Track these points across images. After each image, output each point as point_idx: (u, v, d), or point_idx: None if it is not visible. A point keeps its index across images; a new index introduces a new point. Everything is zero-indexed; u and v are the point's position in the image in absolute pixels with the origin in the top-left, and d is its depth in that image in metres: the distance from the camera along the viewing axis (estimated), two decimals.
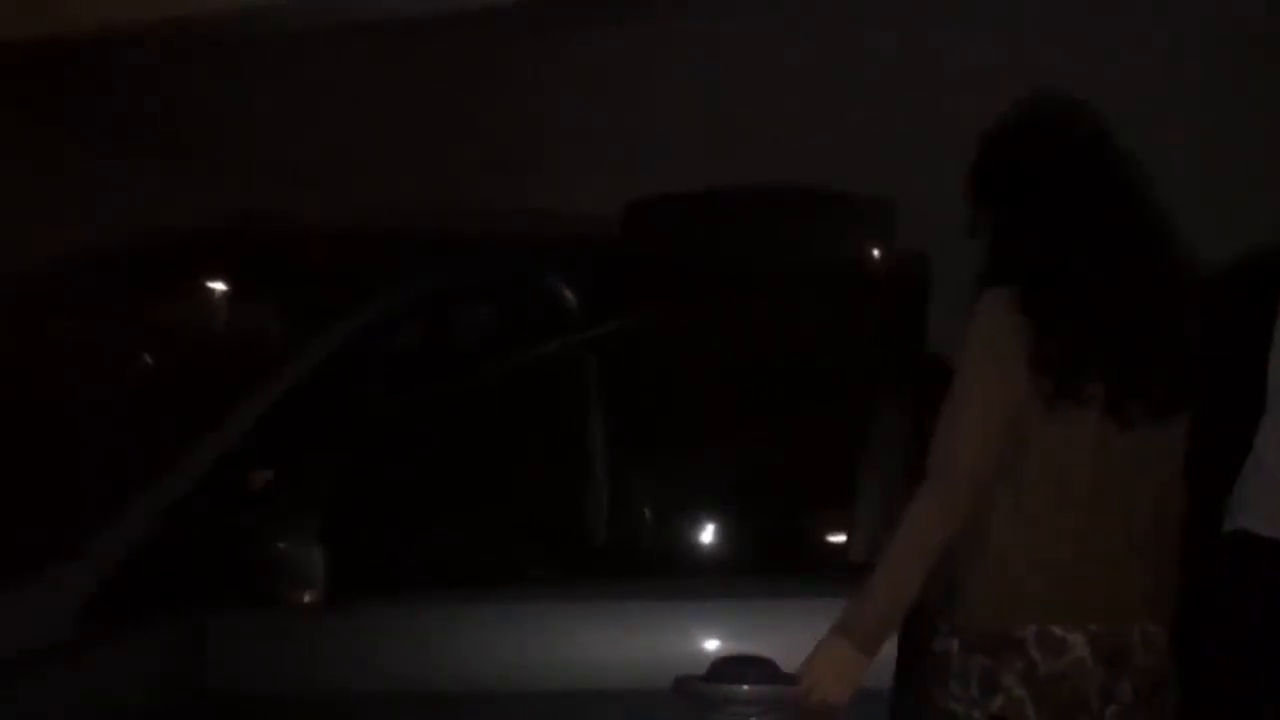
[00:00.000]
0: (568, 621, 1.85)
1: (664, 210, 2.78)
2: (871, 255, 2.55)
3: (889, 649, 1.78)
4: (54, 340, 2.46)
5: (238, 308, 2.44)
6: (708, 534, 2.26)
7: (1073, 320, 1.74)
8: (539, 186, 3.81)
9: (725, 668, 1.81)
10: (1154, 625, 1.78)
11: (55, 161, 4.51)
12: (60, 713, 1.66)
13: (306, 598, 1.73)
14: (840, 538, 1.94)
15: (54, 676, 1.67)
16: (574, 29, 4.03)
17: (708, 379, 2.29)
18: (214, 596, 1.78)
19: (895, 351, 2.12)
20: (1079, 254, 1.79)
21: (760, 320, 2.29)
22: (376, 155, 4.35)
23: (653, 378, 2.33)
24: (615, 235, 2.67)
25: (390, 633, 1.83)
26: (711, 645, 1.83)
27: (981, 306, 1.81)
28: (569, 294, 2.35)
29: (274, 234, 2.68)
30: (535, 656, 1.82)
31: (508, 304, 2.45)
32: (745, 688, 1.81)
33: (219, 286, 2.46)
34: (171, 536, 1.78)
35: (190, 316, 2.46)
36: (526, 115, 4.27)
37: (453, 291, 2.31)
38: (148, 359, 2.43)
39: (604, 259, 2.48)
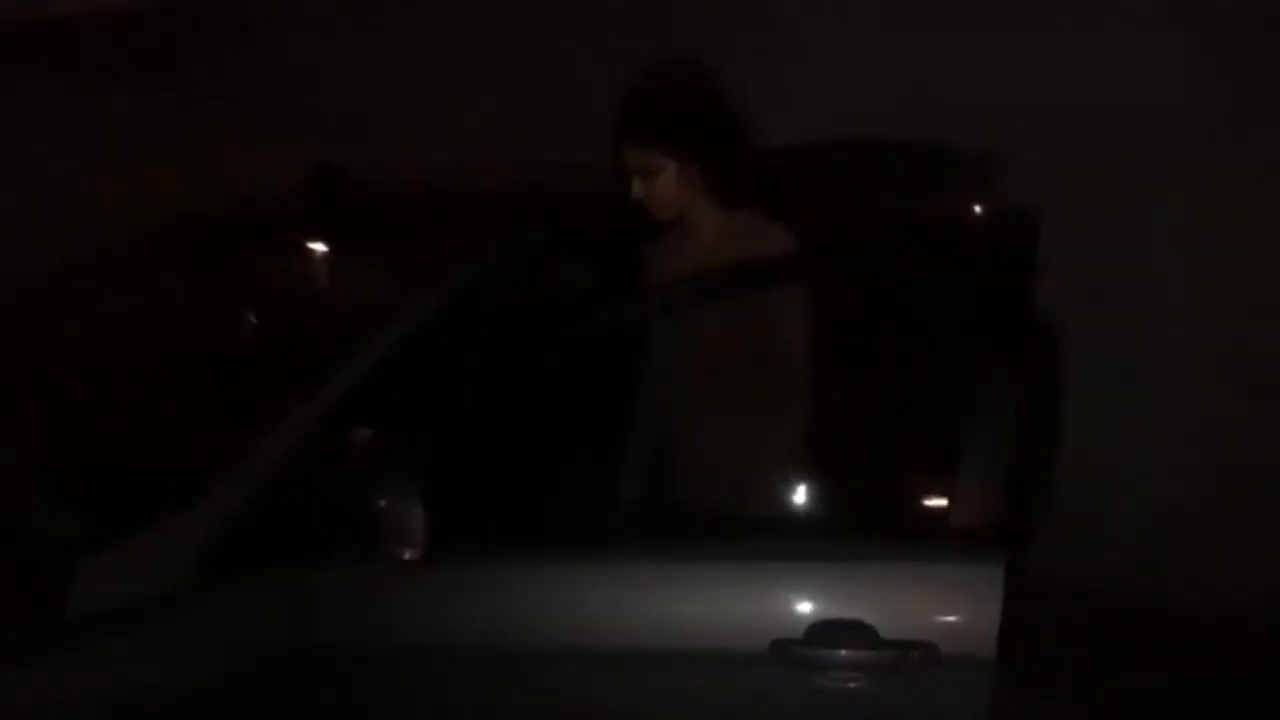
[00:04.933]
0: (665, 582, 1.83)
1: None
2: (972, 210, 2.48)
3: (993, 620, 1.74)
4: (165, 300, 2.52)
5: (341, 267, 2.47)
6: (810, 497, 2.22)
7: None
8: None
9: (824, 632, 1.79)
10: None
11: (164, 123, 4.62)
12: (175, 659, 1.71)
13: (407, 555, 1.75)
14: (943, 502, 1.89)
15: (171, 624, 1.71)
16: None
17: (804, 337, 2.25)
18: (319, 552, 1.81)
19: (1000, 309, 2.05)
20: None
21: (857, 276, 2.23)
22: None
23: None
24: None
25: (488, 590, 1.85)
26: (811, 609, 1.80)
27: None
28: None
29: (377, 193, 2.71)
30: (632, 616, 1.81)
31: (604, 260, 2.43)
32: (844, 653, 1.80)
33: (322, 246, 2.49)
34: (279, 492, 1.81)
35: (295, 276, 2.49)
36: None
37: (550, 248, 2.31)
38: (252, 318, 2.49)
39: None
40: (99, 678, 1.63)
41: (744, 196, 2.23)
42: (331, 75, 4.49)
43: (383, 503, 1.75)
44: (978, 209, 2.49)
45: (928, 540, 1.89)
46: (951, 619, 1.78)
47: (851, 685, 1.80)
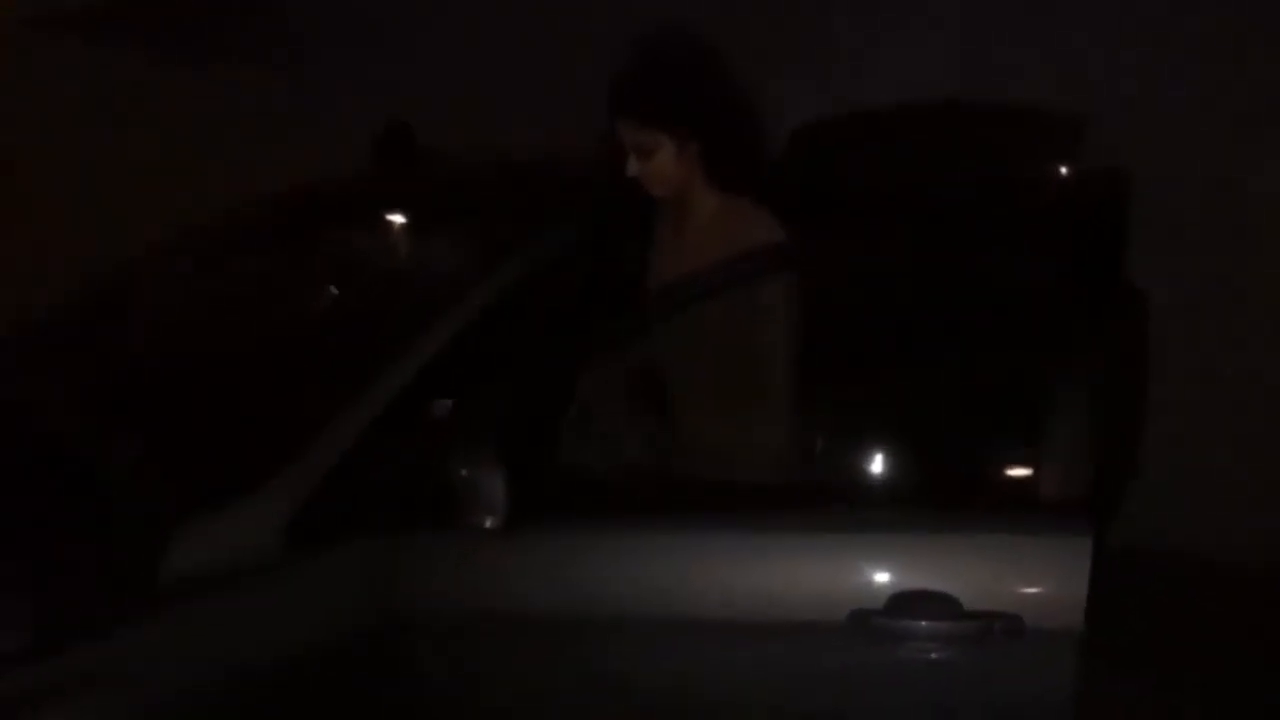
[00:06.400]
0: (744, 552, 1.83)
1: (829, 131, 2.69)
2: (1056, 173, 2.42)
3: (1080, 592, 1.71)
4: (247, 275, 2.58)
5: (420, 241, 2.49)
6: (890, 467, 2.20)
7: None
8: None
9: (904, 603, 1.77)
10: None
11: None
12: (261, 627, 1.74)
13: (489, 523, 1.77)
14: (1028, 473, 1.85)
15: (257, 593, 1.75)
16: None
17: (882, 306, 2.22)
18: (402, 522, 1.84)
19: (1085, 276, 1.99)
20: None
21: (935, 244, 2.19)
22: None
23: (825, 306, 2.27)
24: (781, 161, 2.60)
25: (567, 558, 1.86)
26: (892, 580, 1.79)
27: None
28: None
29: (453, 169, 2.73)
30: (710, 585, 1.82)
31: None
32: (924, 623, 1.78)
33: (401, 220, 2.52)
34: (362, 463, 1.84)
35: (375, 249, 2.53)
36: None
37: (620, 222, 2.30)
38: (334, 291, 2.53)
39: (770, 186, 2.41)
40: (189, 645, 1.68)
41: (743, 182, 2.16)
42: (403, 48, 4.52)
43: (463, 472, 1.77)
44: (1064, 171, 2.42)
45: (1014, 512, 1.86)
46: (1038, 591, 1.75)
47: (933, 656, 1.78)
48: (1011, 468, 1.97)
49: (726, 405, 2.12)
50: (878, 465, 2.21)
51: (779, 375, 2.09)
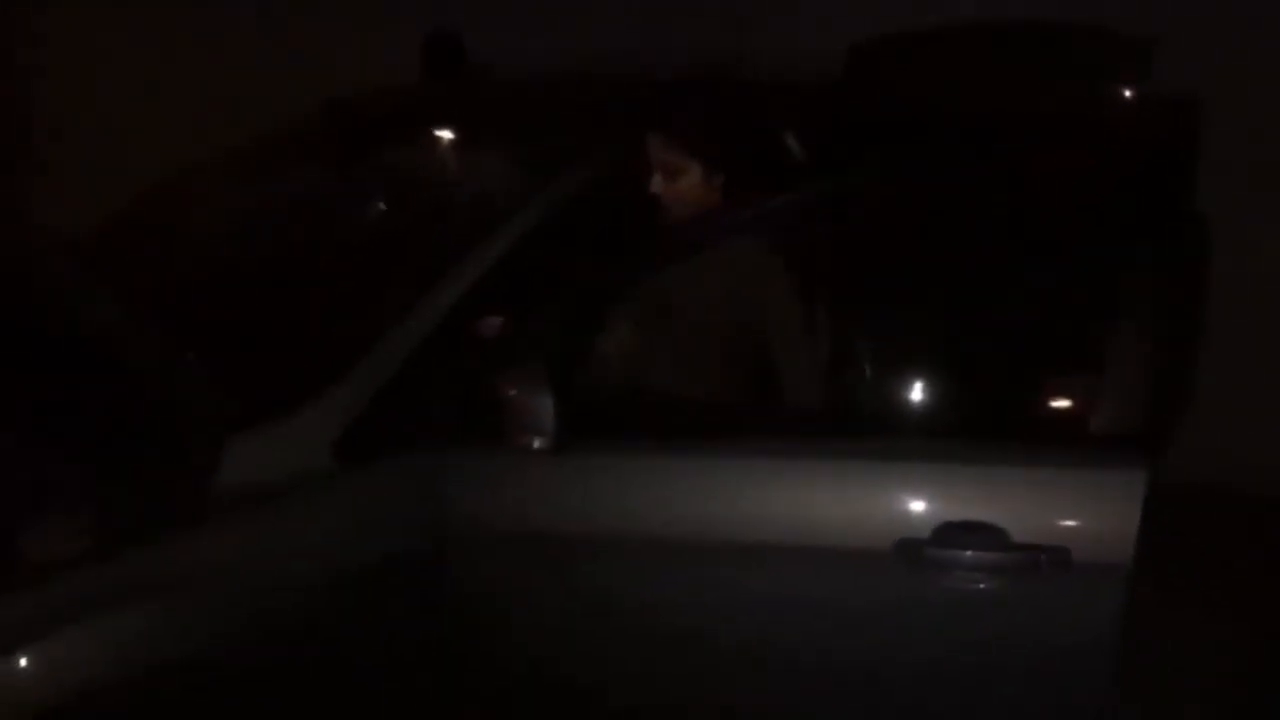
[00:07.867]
0: (793, 478, 1.83)
1: (891, 52, 2.61)
2: (1122, 98, 2.34)
3: (1130, 526, 1.69)
4: (298, 190, 2.57)
5: (472, 159, 2.47)
6: (941, 396, 2.17)
7: None
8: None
9: (951, 533, 1.77)
10: None
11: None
12: (310, 542, 1.77)
13: (537, 444, 1.78)
14: (1083, 403, 1.82)
15: (305, 508, 1.78)
16: None
17: (940, 234, 2.18)
18: (450, 440, 1.85)
19: (1150, 206, 1.94)
20: None
21: (996, 170, 2.14)
22: None
23: (876, 233, 2.23)
24: (841, 82, 2.54)
25: (615, 480, 1.87)
26: (940, 510, 1.78)
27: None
28: (796, 146, 2.26)
29: (508, 86, 2.69)
30: (758, 511, 1.82)
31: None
32: (969, 554, 1.78)
33: (454, 137, 2.50)
34: (411, 381, 1.85)
35: (424, 166, 2.51)
36: None
37: None
38: (383, 206, 2.53)
39: (832, 108, 2.36)
40: (240, 556, 1.70)
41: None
42: None
43: (513, 392, 1.77)
44: (1128, 94, 2.34)
45: (1066, 443, 1.84)
46: (1087, 524, 1.74)
47: (979, 586, 1.78)
48: (1065, 398, 1.94)
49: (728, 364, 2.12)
50: (928, 394, 2.19)
51: (788, 331, 2.09)
